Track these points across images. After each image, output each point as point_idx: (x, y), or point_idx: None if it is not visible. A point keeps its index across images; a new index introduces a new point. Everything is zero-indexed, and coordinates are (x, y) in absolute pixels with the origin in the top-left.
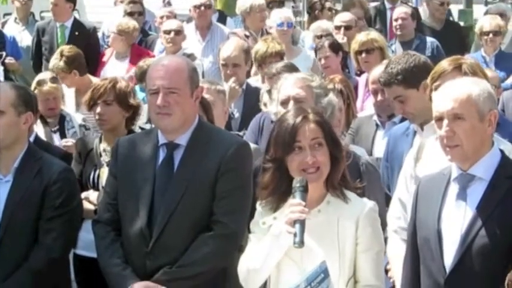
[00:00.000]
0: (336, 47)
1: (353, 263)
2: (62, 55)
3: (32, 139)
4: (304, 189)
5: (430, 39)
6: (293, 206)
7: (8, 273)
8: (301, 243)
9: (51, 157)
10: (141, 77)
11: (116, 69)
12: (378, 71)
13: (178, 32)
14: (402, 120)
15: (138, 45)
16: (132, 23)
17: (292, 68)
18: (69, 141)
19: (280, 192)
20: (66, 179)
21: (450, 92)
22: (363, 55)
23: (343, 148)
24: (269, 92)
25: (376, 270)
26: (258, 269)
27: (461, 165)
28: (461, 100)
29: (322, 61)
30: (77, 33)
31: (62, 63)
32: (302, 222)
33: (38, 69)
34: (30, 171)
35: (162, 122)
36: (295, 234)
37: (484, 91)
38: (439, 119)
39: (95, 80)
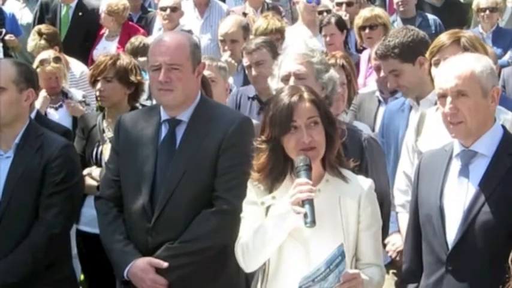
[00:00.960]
0: (341, 24)
1: (355, 241)
2: (40, 34)
3: (33, 115)
4: (309, 168)
5: (431, 17)
6: (300, 185)
7: (8, 249)
8: (313, 223)
9: (52, 133)
10: (132, 53)
11: (105, 49)
12: None
13: (175, 9)
14: None
15: (138, 22)
16: (122, 3)
17: (271, 45)
18: (71, 103)
19: (277, 173)
20: (67, 156)
21: (453, 69)
22: (367, 31)
23: (339, 126)
24: (249, 67)
25: (376, 248)
26: (260, 249)
27: (464, 141)
28: (465, 77)
29: (327, 38)
30: (80, 13)
31: (43, 42)
32: (311, 202)
33: None
34: (31, 147)
35: (164, 98)
36: (305, 215)
37: (486, 67)
38: (442, 96)
39: (70, 59)
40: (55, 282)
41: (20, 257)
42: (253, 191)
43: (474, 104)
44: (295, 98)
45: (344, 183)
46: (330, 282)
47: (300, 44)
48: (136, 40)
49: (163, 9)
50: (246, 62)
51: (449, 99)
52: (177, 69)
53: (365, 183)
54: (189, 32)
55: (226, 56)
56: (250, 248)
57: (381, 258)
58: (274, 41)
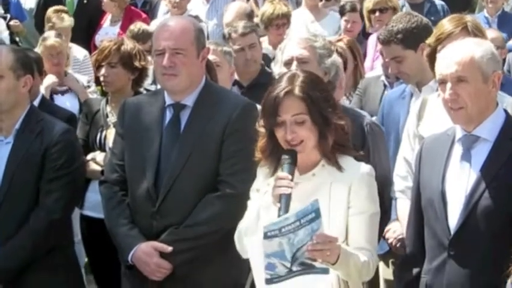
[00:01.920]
0: (361, 13)
1: (344, 228)
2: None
3: (38, 101)
4: (292, 162)
5: (439, 2)
6: (280, 179)
7: (9, 235)
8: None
9: (52, 119)
10: (134, 37)
11: (108, 33)
12: None
13: None
14: None
15: (142, 7)
16: None
17: (257, 30)
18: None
19: (276, 157)
20: (67, 141)
21: (453, 55)
22: (377, 14)
23: (341, 116)
24: (241, 50)
25: (368, 233)
26: (251, 235)
27: (465, 127)
28: (464, 63)
29: (349, 25)
30: (85, 1)
31: (69, 23)
32: (287, 196)
33: (40, 28)
34: (31, 132)
35: (168, 82)
36: (279, 208)
37: (487, 52)
38: (443, 82)
39: (71, 45)
40: (54, 267)
41: (19, 243)
42: (260, 176)
43: (474, 89)
44: (283, 93)
45: (342, 166)
46: (300, 238)
47: (301, 29)
48: (136, 27)
49: None
50: (238, 44)
51: (449, 85)
52: (181, 54)
53: (361, 169)
54: (196, 17)
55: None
56: (242, 237)
57: (373, 244)
58: (282, 27)
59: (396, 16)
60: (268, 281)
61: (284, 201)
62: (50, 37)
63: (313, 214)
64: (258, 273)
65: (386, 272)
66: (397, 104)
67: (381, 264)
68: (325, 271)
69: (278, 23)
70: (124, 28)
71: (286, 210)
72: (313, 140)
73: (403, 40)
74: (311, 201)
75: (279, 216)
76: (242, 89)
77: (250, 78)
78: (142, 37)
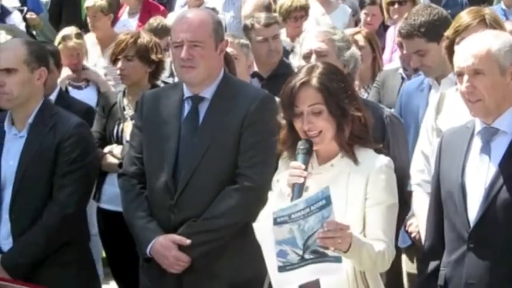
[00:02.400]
0: (381, 6)
1: (361, 219)
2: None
3: (55, 94)
4: (307, 152)
5: None
6: (293, 169)
7: (22, 229)
8: None
9: (66, 112)
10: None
11: (125, 25)
12: None
13: None
14: None
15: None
16: None
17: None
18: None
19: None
20: (81, 134)
21: (470, 47)
22: (395, 6)
23: (360, 108)
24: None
25: (384, 225)
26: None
27: (484, 119)
28: (481, 55)
29: (368, 18)
30: None
31: (104, 2)
32: (300, 186)
33: (55, 23)
34: (44, 126)
35: (186, 75)
36: (291, 198)
37: (505, 45)
38: (460, 75)
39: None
40: (67, 263)
41: (32, 239)
42: (282, 168)
43: (491, 82)
44: (299, 84)
45: (359, 160)
46: (310, 225)
47: (311, 22)
48: (155, 21)
49: None
50: (262, 35)
51: (466, 77)
52: (199, 47)
53: (379, 160)
54: (213, 9)
55: None
56: (262, 225)
57: (390, 235)
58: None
59: (416, 9)
60: (281, 269)
61: (297, 190)
62: (71, 38)
63: (324, 201)
64: (270, 260)
65: (409, 266)
66: (416, 96)
67: (404, 258)
68: (338, 260)
69: (296, 16)
70: (142, 20)
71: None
72: (331, 131)
73: (426, 33)
74: (321, 188)
75: None
76: (262, 81)
77: (270, 69)
78: (162, 32)
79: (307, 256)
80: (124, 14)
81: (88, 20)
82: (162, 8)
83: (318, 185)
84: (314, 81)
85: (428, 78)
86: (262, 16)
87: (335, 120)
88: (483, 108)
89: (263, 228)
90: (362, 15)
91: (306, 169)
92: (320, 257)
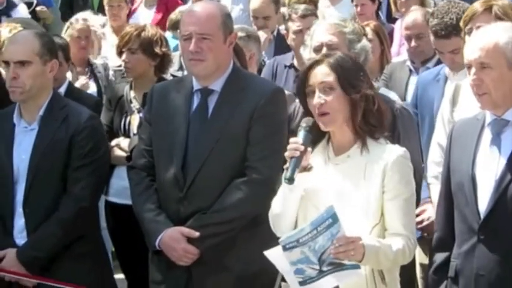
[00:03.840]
0: None
1: (379, 210)
2: None
3: (64, 87)
4: (309, 130)
5: None
6: (291, 143)
7: (37, 223)
8: (289, 180)
9: (76, 104)
10: (173, 25)
11: (143, 17)
12: (411, 17)
13: None
14: (436, 65)
15: None
16: None
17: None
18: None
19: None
20: (93, 127)
21: (478, 40)
22: None
23: (372, 91)
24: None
25: (403, 218)
26: (280, 213)
27: (492, 111)
28: (488, 49)
29: (358, 8)
30: None
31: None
32: (296, 160)
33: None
34: (55, 119)
35: (195, 68)
36: (286, 169)
37: None
38: (469, 67)
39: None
40: (81, 256)
41: (49, 231)
42: None
43: (498, 75)
44: (314, 62)
45: (375, 150)
46: (320, 244)
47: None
48: (177, 13)
49: None
50: (298, 26)
51: (473, 70)
52: (208, 39)
53: (396, 151)
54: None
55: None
56: (274, 212)
57: (410, 228)
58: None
59: (441, 7)
60: (302, 283)
61: (293, 163)
62: (79, 20)
63: (330, 220)
64: (289, 278)
65: (422, 257)
66: (431, 87)
67: (417, 249)
68: (356, 266)
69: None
70: (160, 12)
71: (293, 172)
72: (343, 111)
73: (461, 31)
74: (325, 208)
75: (284, 177)
76: (297, 72)
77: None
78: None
79: (325, 268)
80: (141, 6)
81: (107, 8)
82: (179, 1)
83: (336, 176)
84: (327, 60)
85: (446, 69)
86: (300, 7)
87: (348, 99)
88: (490, 101)
89: (274, 254)
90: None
91: (306, 147)
92: (338, 266)
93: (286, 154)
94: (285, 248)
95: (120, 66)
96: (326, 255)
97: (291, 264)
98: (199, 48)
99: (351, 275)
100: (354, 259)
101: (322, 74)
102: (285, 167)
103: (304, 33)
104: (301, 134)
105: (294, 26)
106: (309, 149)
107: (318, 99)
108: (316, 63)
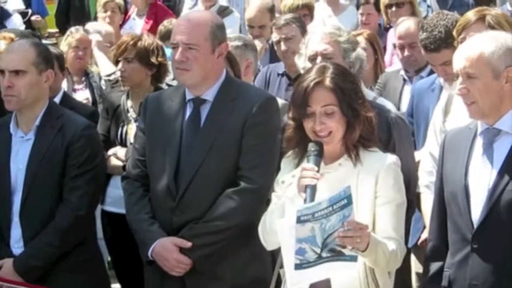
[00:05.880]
0: (378, 4)
1: (371, 217)
2: None
3: (59, 97)
4: (318, 154)
5: None
6: (305, 170)
7: (33, 232)
8: None
9: (73, 114)
10: (163, 37)
11: (134, 25)
12: (404, 26)
13: None
14: (430, 74)
15: (167, 1)
16: None
17: (301, 21)
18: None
19: (302, 149)
20: (89, 136)
21: (464, 50)
22: (393, 9)
23: (369, 109)
24: (278, 43)
25: (395, 223)
26: (275, 229)
27: (481, 120)
28: (472, 59)
29: (364, 17)
30: None
31: (121, 1)
32: (313, 187)
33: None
34: (51, 128)
35: (181, 77)
36: (305, 200)
37: (500, 48)
38: (457, 76)
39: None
40: (78, 264)
41: (46, 240)
42: (286, 168)
43: (484, 85)
44: (313, 84)
45: (366, 158)
46: (332, 223)
47: (318, 23)
48: (163, 26)
49: None
50: (275, 37)
51: (459, 80)
52: (194, 49)
53: (388, 159)
54: (227, 8)
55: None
56: (267, 227)
57: (400, 233)
58: (302, 18)
59: (431, 20)
60: (298, 266)
61: (310, 192)
62: (79, 30)
63: (345, 200)
64: (288, 257)
65: (418, 266)
66: (427, 96)
67: (413, 258)
68: (353, 259)
69: (299, 14)
70: (149, 21)
71: (312, 201)
72: (341, 132)
73: (451, 43)
74: (344, 187)
75: None
76: (290, 81)
77: (296, 70)
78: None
79: (324, 254)
80: (133, 15)
81: (103, 15)
82: (170, 11)
83: (327, 184)
84: (327, 81)
85: (441, 79)
86: (280, 17)
87: (346, 121)
88: (478, 110)
89: (286, 226)
90: (359, 16)
91: (318, 171)
92: (336, 255)
93: (303, 182)
94: (299, 220)
95: (110, 75)
96: (331, 239)
97: (297, 241)
98: (184, 58)
99: (345, 268)
100: (358, 247)
101: (324, 98)
102: (301, 196)
103: (282, 42)
104: (312, 159)
105: (273, 37)
106: (321, 172)
107: (319, 125)
108: (316, 84)
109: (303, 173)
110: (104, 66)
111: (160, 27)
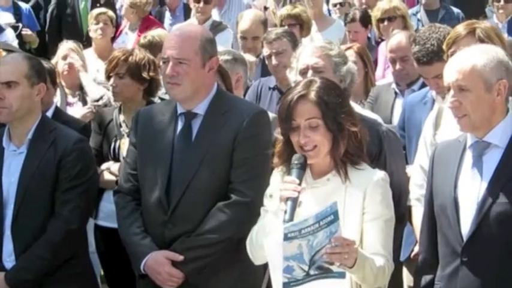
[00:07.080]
0: (366, 20)
1: (359, 234)
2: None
3: (51, 111)
4: (302, 167)
5: (455, 9)
6: (286, 183)
7: (25, 246)
8: (290, 221)
9: (65, 128)
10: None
11: (127, 39)
12: (395, 40)
13: (208, 1)
14: (421, 87)
15: (155, 15)
16: None
17: (292, 35)
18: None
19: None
20: (81, 150)
21: (455, 63)
22: (385, 23)
23: (358, 123)
24: (269, 57)
25: (383, 239)
26: (261, 244)
27: (472, 133)
28: (465, 72)
29: (351, 35)
30: (98, 4)
31: (113, 14)
32: (294, 200)
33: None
34: (44, 142)
35: (171, 91)
36: (285, 212)
37: (492, 60)
38: (448, 89)
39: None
40: (71, 277)
41: (37, 254)
42: (275, 182)
43: (476, 98)
44: (297, 97)
45: (354, 173)
46: (319, 240)
47: (306, 40)
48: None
49: (197, 1)
50: (266, 51)
51: (451, 92)
52: (184, 64)
53: (376, 175)
54: (220, 24)
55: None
56: (254, 242)
57: (388, 249)
58: (293, 33)
59: (423, 33)
60: (286, 285)
61: (290, 204)
62: (69, 42)
63: (332, 216)
64: (276, 275)
65: (409, 279)
66: (419, 109)
67: (405, 271)
68: (341, 275)
69: (290, 23)
70: (140, 35)
71: (292, 214)
72: (327, 146)
73: (443, 56)
74: (330, 204)
75: (284, 220)
76: (281, 94)
77: (288, 84)
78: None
79: (312, 272)
80: (125, 29)
81: (94, 27)
82: (162, 26)
83: (315, 199)
84: (312, 95)
85: (433, 92)
86: (271, 32)
87: (331, 135)
88: (469, 123)
89: (273, 244)
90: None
91: (300, 184)
92: (324, 272)
93: (284, 195)
94: (286, 237)
95: (98, 100)
96: (319, 256)
97: (285, 259)
98: (175, 72)
99: (333, 285)
100: (345, 263)
101: (307, 111)
102: (282, 208)
103: (273, 56)
104: (294, 172)
105: (264, 51)
106: (303, 185)
107: (304, 138)
108: (301, 97)
109: (284, 185)
110: (91, 92)
111: (140, 40)
